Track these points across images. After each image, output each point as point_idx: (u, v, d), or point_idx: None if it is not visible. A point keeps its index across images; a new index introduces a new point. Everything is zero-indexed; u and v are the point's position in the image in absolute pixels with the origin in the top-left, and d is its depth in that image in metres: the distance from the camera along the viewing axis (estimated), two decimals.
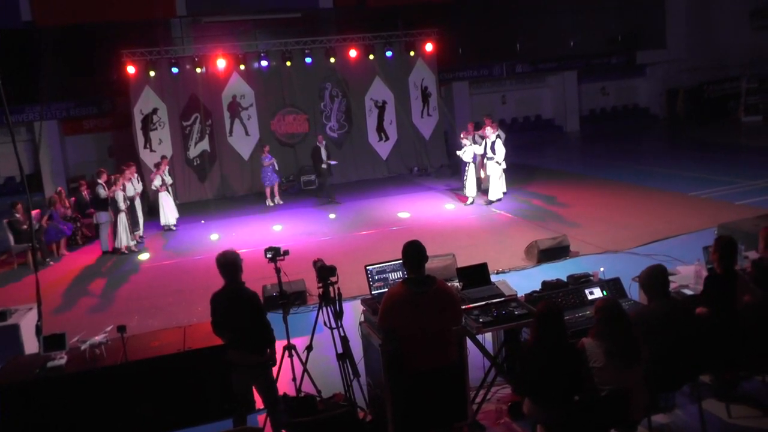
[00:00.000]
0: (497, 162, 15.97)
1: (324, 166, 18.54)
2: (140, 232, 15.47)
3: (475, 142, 16.80)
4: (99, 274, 13.20)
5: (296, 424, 5.80)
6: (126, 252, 14.60)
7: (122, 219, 14.66)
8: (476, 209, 15.93)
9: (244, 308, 5.82)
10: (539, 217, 14.46)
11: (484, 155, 16.33)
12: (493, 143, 16.02)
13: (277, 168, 19.01)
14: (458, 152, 16.55)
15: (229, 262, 5.87)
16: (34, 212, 13.50)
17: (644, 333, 5.30)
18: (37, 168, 23.61)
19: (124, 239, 14.70)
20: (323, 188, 19.13)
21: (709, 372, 6.24)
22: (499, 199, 16.20)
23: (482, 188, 16.83)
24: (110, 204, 14.61)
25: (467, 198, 16.58)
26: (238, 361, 5.92)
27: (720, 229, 9.64)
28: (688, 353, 5.54)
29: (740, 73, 28.94)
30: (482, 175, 16.96)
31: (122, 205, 14.62)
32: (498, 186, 16.23)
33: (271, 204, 18.81)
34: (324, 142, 19.01)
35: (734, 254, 5.98)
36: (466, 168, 16.39)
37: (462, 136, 16.69)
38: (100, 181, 14.76)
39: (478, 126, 17.76)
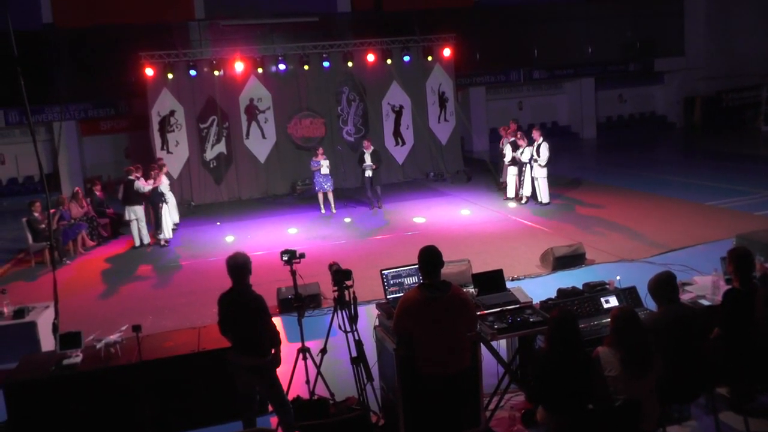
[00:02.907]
0: (541, 165, 16.19)
1: (366, 174, 17.22)
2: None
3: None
4: (115, 274, 13.26)
5: (309, 427, 5.81)
6: (164, 245, 15.14)
7: (166, 210, 15.33)
8: (493, 215, 15.90)
9: (247, 311, 5.83)
10: (555, 225, 14.40)
11: (530, 158, 16.51)
12: (539, 146, 16.21)
13: (324, 172, 17.19)
14: (515, 154, 16.81)
15: (238, 265, 5.88)
16: (53, 211, 13.64)
17: (655, 338, 5.29)
18: (55, 168, 23.82)
19: (168, 231, 15.35)
20: (372, 194, 17.60)
21: (725, 384, 6.18)
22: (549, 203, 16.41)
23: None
24: (152, 197, 15.03)
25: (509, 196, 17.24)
26: (236, 363, 5.94)
27: (738, 240, 9.57)
28: (700, 362, 5.50)
29: (759, 82, 28.72)
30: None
31: (169, 197, 15.54)
32: (546, 188, 16.45)
33: (323, 212, 17.50)
34: (371, 148, 17.42)
35: (751, 265, 5.91)
36: (524, 168, 16.63)
37: (518, 136, 16.98)
38: (137, 175, 15.10)
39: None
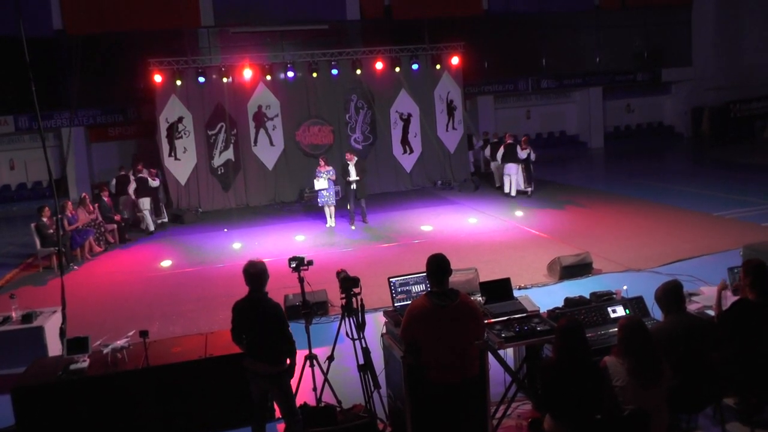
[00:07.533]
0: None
1: (352, 186, 16.48)
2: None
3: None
4: (122, 280, 13.29)
5: None
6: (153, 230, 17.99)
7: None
8: (500, 224, 15.88)
9: (265, 318, 5.83)
10: (562, 234, 14.38)
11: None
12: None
13: (318, 186, 16.43)
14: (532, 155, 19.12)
15: (258, 272, 5.88)
16: (60, 216, 13.69)
17: (662, 348, 5.27)
18: (63, 174, 23.92)
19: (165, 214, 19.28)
20: (356, 207, 16.79)
21: (733, 395, 6.14)
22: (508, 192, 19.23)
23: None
24: (156, 190, 18.31)
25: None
26: (252, 370, 5.94)
27: (745, 250, 9.52)
28: (707, 372, 5.47)
29: None
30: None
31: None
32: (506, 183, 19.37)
33: (331, 225, 16.76)
34: (355, 159, 16.63)
35: (766, 277, 5.85)
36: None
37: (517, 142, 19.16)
38: (147, 174, 18.02)
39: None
